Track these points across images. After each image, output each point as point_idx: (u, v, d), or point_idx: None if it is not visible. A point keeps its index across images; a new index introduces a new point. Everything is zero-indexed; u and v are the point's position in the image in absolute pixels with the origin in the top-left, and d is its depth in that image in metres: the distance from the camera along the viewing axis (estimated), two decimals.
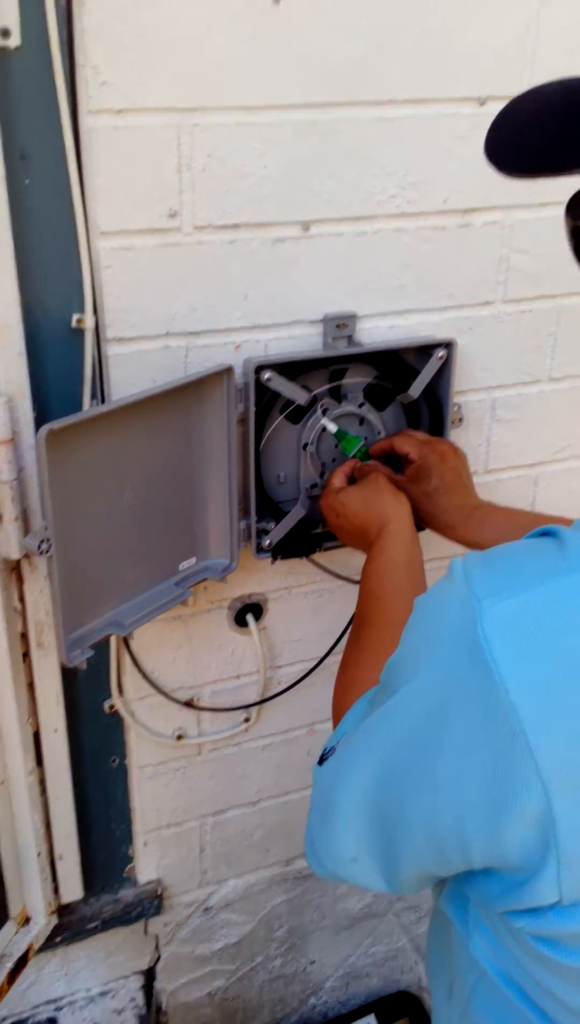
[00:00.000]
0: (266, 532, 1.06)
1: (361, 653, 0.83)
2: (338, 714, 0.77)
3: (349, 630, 0.88)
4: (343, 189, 0.96)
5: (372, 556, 0.91)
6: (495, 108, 0.97)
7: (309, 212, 0.96)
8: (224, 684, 1.19)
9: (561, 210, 1.07)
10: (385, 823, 0.56)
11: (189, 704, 1.17)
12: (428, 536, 0.99)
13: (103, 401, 0.96)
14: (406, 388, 1.05)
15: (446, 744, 0.51)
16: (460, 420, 1.12)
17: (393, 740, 0.55)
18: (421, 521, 1.00)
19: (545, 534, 0.54)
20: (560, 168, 0.52)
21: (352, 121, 0.94)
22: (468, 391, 1.13)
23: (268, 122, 0.91)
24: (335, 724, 0.77)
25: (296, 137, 0.92)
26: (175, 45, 0.84)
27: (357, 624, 0.87)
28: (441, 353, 1.03)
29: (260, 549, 1.06)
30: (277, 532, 1.06)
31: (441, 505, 0.98)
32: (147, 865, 1.27)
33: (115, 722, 1.15)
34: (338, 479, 1.03)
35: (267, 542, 1.06)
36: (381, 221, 1.00)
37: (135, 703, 1.14)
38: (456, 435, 1.12)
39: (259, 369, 0.96)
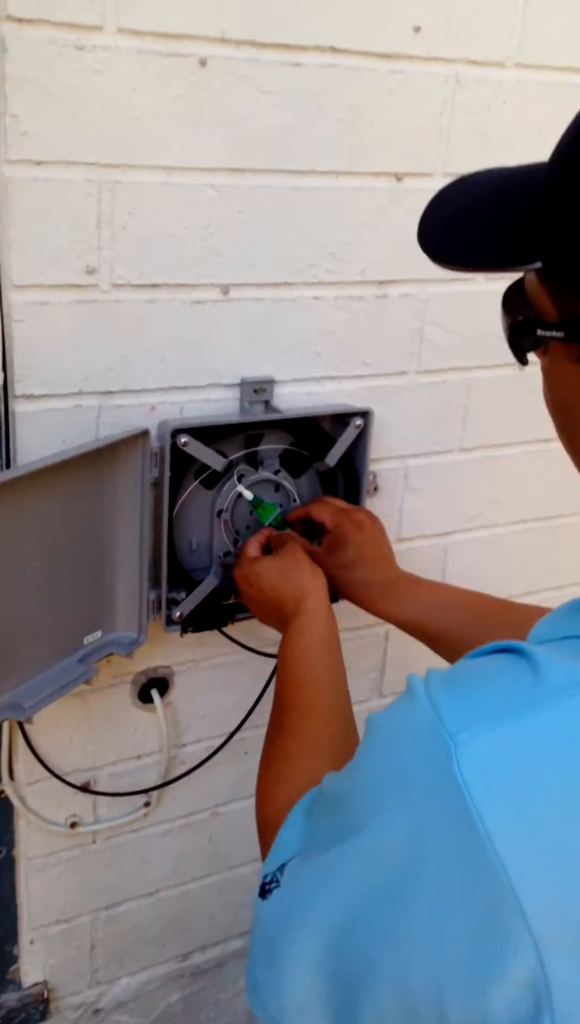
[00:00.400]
0: (176, 602, 1.01)
1: (286, 745, 0.77)
2: (266, 819, 0.70)
3: (269, 717, 0.83)
4: (263, 255, 0.95)
5: (290, 636, 0.87)
6: (412, 184, 1.00)
7: (229, 276, 0.94)
8: (124, 765, 1.11)
9: (472, 287, 1.10)
10: (345, 978, 0.50)
11: (85, 788, 1.09)
12: (348, 605, 0.96)
13: (7, 461, 0.89)
14: (322, 455, 1.03)
15: (420, 898, 0.45)
16: (376, 489, 1.12)
17: (356, 888, 0.49)
18: (338, 593, 0.97)
19: (507, 650, 0.50)
20: (489, 266, 0.53)
21: (273, 188, 0.93)
22: (382, 459, 1.13)
23: (191, 183, 0.89)
24: (263, 832, 0.70)
25: (218, 200, 0.91)
26: (99, 100, 0.82)
27: (278, 711, 0.82)
28: (358, 422, 1.03)
29: (170, 621, 1.01)
30: (188, 603, 1.01)
31: (360, 578, 0.95)
32: (33, 966, 1.15)
33: (4, 809, 1.05)
34: (252, 548, 0.99)
35: (178, 614, 1.01)
36: (300, 288, 0.99)
37: (26, 788, 1.05)
38: (371, 504, 1.11)
39: (176, 433, 0.92)
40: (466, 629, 0.88)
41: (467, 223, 0.55)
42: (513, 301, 0.54)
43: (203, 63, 0.85)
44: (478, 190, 0.56)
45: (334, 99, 0.92)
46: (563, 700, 0.44)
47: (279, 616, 0.91)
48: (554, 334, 0.50)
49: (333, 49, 0.90)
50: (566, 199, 0.47)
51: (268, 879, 0.58)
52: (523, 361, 0.55)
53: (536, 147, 1.06)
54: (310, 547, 0.99)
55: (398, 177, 0.99)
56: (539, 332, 0.51)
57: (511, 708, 0.45)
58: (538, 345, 0.53)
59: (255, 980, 0.56)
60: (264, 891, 0.58)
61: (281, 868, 0.58)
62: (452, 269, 0.56)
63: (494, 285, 1.10)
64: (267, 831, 0.69)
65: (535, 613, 0.90)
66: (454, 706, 0.47)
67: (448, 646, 0.90)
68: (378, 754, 0.51)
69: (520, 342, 0.53)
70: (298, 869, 0.56)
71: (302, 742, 0.76)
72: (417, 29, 0.93)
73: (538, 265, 0.49)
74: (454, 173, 1.01)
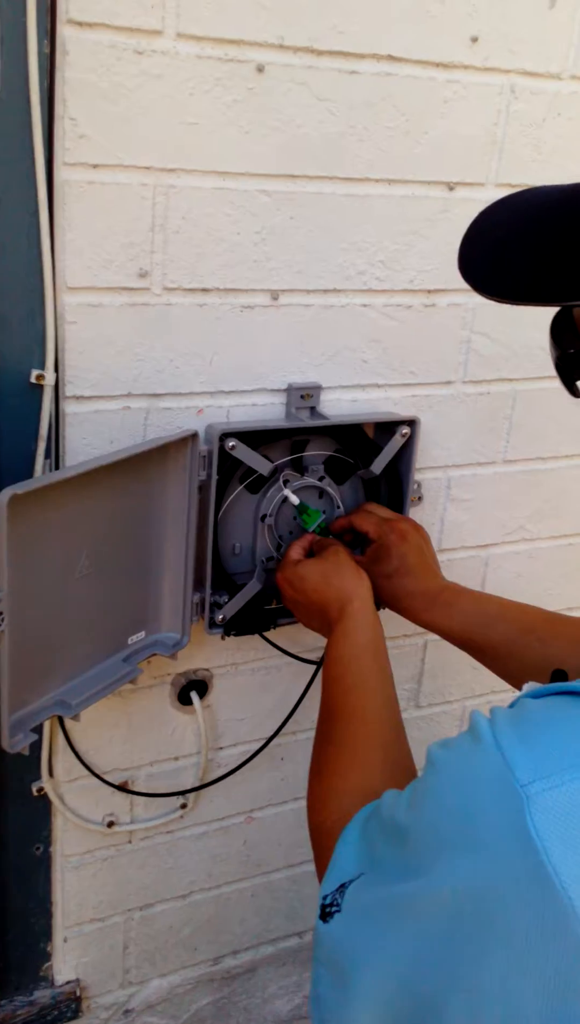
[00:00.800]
0: (219, 606, 1.01)
1: (336, 754, 0.76)
2: (320, 830, 0.70)
3: (316, 725, 0.82)
4: (314, 261, 0.96)
5: (335, 640, 0.86)
6: (464, 193, 1.00)
7: (279, 281, 0.95)
8: (161, 766, 1.11)
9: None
10: (414, 1019, 0.50)
11: (123, 788, 1.09)
12: (388, 614, 0.96)
13: (56, 460, 0.90)
14: (367, 463, 1.03)
15: (492, 951, 0.44)
16: (420, 499, 1.11)
17: (425, 933, 0.48)
18: (382, 602, 0.97)
19: (570, 693, 0.49)
20: (536, 300, 0.51)
21: (326, 195, 0.94)
22: (425, 469, 1.12)
23: (244, 189, 0.89)
24: (317, 843, 0.70)
25: (270, 206, 0.91)
26: (157, 104, 0.82)
27: (326, 718, 0.81)
28: (405, 430, 1.02)
29: (213, 624, 1.01)
30: (232, 607, 1.01)
31: (404, 587, 0.95)
32: (66, 964, 1.16)
33: (42, 806, 1.06)
34: (296, 551, 0.99)
35: (221, 617, 1.01)
36: (349, 295, 0.99)
37: (65, 785, 1.05)
38: (413, 513, 1.11)
39: (224, 437, 0.93)
40: (514, 641, 0.87)
41: (512, 251, 0.53)
42: (562, 331, 0.52)
43: (261, 69, 0.85)
44: (523, 214, 0.54)
45: (390, 107, 0.92)
46: None
47: (323, 619, 0.91)
48: None
49: (390, 58, 0.90)
50: None
51: (328, 900, 0.58)
52: (575, 393, 0.53)
53: None
54: (354, 556, 0.99)
55: (450, 186, 0.99)
56: None
57: None
58: None
59: (319, 995, 0.56)
60: (325, 914, 0.57)
61: (340, 890, 0.57)
62: (496, 300, 0.53)
63: None
64: (321, 843, 0.68)
65: None
66: (524, 754, 0.46)
67: (495, 658, 0.89)
68: (443, 796, 0.50)
69: (571, 373, 0.52)
70: (360, 896, 0.55)
71: (352, 752, 0.75)
72: (474, 39, 0.93)
73: None
74: (507, 184, 1.01)
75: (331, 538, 1.02)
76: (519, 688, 0.82)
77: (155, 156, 0.84)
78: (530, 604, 0.93)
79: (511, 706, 0.52)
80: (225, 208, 0.89)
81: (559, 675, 0.71)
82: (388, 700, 0.80)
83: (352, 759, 0.74)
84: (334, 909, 0.57)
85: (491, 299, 0.53)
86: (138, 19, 0.79)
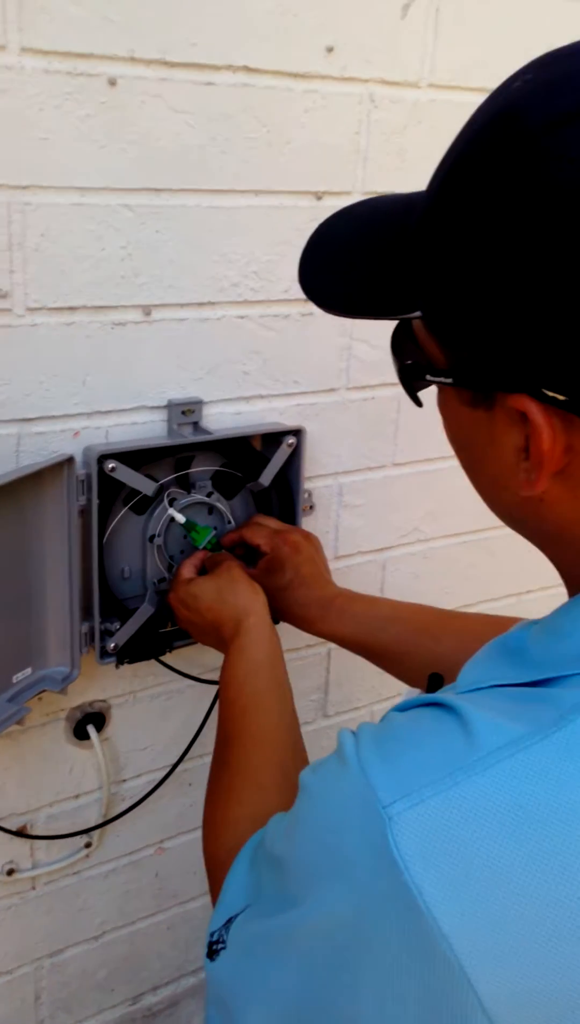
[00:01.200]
0: (111, 633, 0.98)
1: (232, 780, 0.74)
2: (214, 860, 0.68)
3: (214, 748, 0.80)
4: (185, 274, 0.94)
5: (231, 658, 0.84)
6: (332, 202, 1.00)
7: (150, 296, 0.92)
8: (61, 806, 1.07)
9: None
10: None
11: (21, 833, 1.04)
12: (281, 627, 0.94)
13: None
14: (255, 475, 1.02)
15: (366, 979, 0.43)
16: (311, 507, 1.10)
17: (302, 965, 0.47)
18: (278, 615, 0.95)
19: (436, 705, 0.48)
20: (372, 314, 0.50)
21: (191, 208, 0.92)
22: (315, 477, 1.11)
23: (105, 204, 0.87)
24: (211, 875, 0.67)
25: (135, 221, 0.89)
26: (5, 120, 0.79)
27: (221, 741, 0.79)
28: (290, 440, 1.01)
29: (105, 653, 0.97)
30: (123, 633, 0.98)
31: (297, 599, 0.94)
32: None
33: None
34: (187, 570, 0.97)
35: (112, 645, 0.97)
36: (224, 308, 0.98)
37: None
38: (307, 522, 1.10)
39: (103, 459, 0.90)
40: (408, 642, 0.87)
41: (349, 263, 0.53)
42: (401, 343, 0.52)
43: (113, 83, 0.83)
44: (361, 224, 0.54)
45: (250, 118, 0.91)
46: (497, 763, 0.42)
47: (218, 637, 0.89)
48: (443, 380, 0.48)
49: (246, 68, 0.89)
50: (437, 245, 0.45)
51: (215, 937, 0.56)
52: (417, 403, 0.54)
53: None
54: (247, 570, 0.97)
55: (318, 195, 0.99)
56: (428, 377, 0.49)
57: (445, 774, 0.43)
58: (429, 386, 0.51)
59: None
60: (212, 952, 0.55)
61: (226, 924, 0.56)
62: (333, 314, 0.53)
63: None
64: (214, 875, 0.66)
65: (474, 620, 0.89)
66: (386, 774, 0.44)
67: (391, 660, 0.89)
68: (311, 824, 0.49)
69: (412, 385, 0.52)
70: (243, 928, 0.54)
71: (247, 777, 0.73)
72: (330, 49, 0.93)
73: (417, 315, 0.48)
74: (374, 191, 1.01)
75: (224, 552, 1.00)
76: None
77: (7, 173, 0.81)
78: (424, 604, 0.93)
79: (382, 720, 0.51)
80: (87, 224, 0.86)
81: (435, 679, 0.70)
82: (285, 718, 0.79)
83: (246, 781, 0.73)
84: (220, 946, 0.55)
85: (331, 313, 0.53)
86: None
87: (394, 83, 0.98)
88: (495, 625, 0.81)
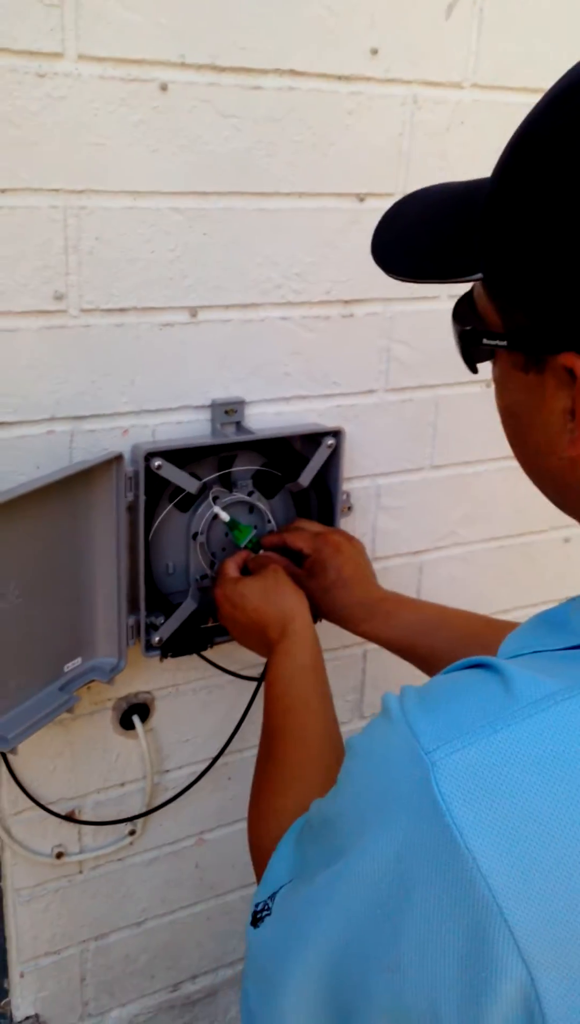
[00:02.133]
0: (155, 627, 1.00)
1: (276, 774, 0.76)
2: (259, 849, 0.70)
3: (259, 742, 0.82)
4: (230, 276, 0.95)
5: (277, 660, 0.86)
6: (374, 204, 1.01)
7: (197, 298, 0.94)
8: (108, 793, 1.09)
9: (436, 305, 1.10)
10: (342, 1008, 0.49)
11: (70, 817, 1.06)
12: (324, 626, 0.96)
13: None
14: (294, 475, 1.03)
15: (408, 921, 0.44)
16: (350, 508, 1.11)
17: (346, 915, 0.48)
18: (323, 615, 0.97)
19: (478, 666, 0.50)
20: (435, 277, 0.53)
21: (237, 211, 0.94)
22: (353, 478, 1.13)
23: (156, 207, 0.89)
24: (257, 863, 0.69)
25: (183, 224, 0.91)
26: (62, 126, 0.81)
27: (267, 738, 0.81)
28: (330, 441, 1.03)
29: (150, 646, 1.00)
30: (167, 627, 1.00)
31: (341, 600, 0.95)
32: (24, 999, 1.12)
33: None
34: (232, 568, 0.98)
35: (157, 638, 0.99)
36: (267, 309, 0.99)
37: (11, 819, 1.03)
38: (344, 523, 1.11)
39: (149, 456, 0.92)
40: (456, 648, 0.88)
41: (417, 236, 0.56)
42: (463, 311, 0.54)
43: (164, 88, 0.85)
44: (429, 204, 0.57)
45: (295, 121, 0.92)
46: (536, 714, 0.44)
47: (262, 639, 0.90)
48: (498, 343, 0.51)
49: (292, 72, 0.90)
50: (500, 213, 0.48)
51: (259, 907, 0.57)
52: (473, 369, 0.56)
53: (495, 166, 1.07)
54: (292, 568, 0.99)
55: (361, 198, 1.00)
56: (485, 341, 0.52)
57: (485, 723, 0.45)
58: (486, 354, 0.53)
59: (250, 1010, 0.55)
60: (256, 920, 0.57)
61: (272, 896, 0.57)
62: (401, 280, 0.57)
63: None
64: (260, 862, 0.68)
65: None
66: (429, 723, 0.46)
67: (438, 666, 0.90)
68: (358, 777, 0.51)
69: (470, 351, 0.54)
70: (289, 896, 0.55)
71: (292, 772, 0.75)
72: (374, 51, 0.94)
73: (479, 277, 0.50)
74: None
75: (269, 554, 1.01)
76: None
77: (64, 178, 0.83)
78: (470, 611, 0.94)
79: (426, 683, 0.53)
80: (138, 227, 0.88)
81: None
82: (329, 720, 0.81)
83: (291, 776, 0.74)
84: (265, 914, 0.56)
85: (398, 278, 0.56)
86: (38, 42, 0.78)
87: (438, 84, 0.99)
88: None
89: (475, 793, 0.43)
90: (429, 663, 0.91)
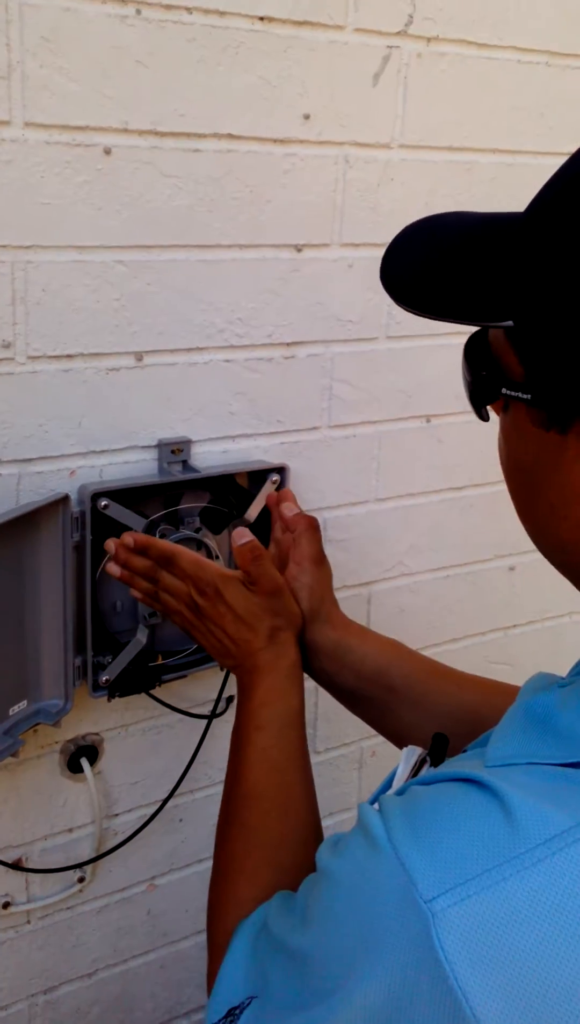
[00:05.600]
0: (103, 667, 1.10)
1: (249, 852, 0.71)
2: (215, 942, 0.67)
3: (224, 791, 0.78)
4: (174, 323, 1.08)
5: (261, 694, 0.80)
6: (312, 254, 1.15)
7: (142, 343, 1.07)
8: (55, 840, 1.17)
9: (375, 346, 1.24)
10: None
11: (17, 865, 1.15)
12: None
13: None
14: (242, 511, 1.15)
15: None
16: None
17: None
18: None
19: (470, 782, 0.48)
20: (458, 318, 0.52)
21: (180, 262, 1.07)
22: None
23: (101, 260, 1.01)
24: (212, 955, 0.67)
25: (128, 275, 1.03)
26: (10, 187, 0.94)
27: (244, 799, 0.75)
28: (275, 477, 1.15)
29: (97, 686, 1.09)
30: (115, 666, 1.10)
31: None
32: None
33: None
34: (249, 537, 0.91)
35: (105, 678, 1.09)
36: (211, 352, 1.12)
37: None
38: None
39: (96, 496, 1.03)
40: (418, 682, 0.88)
41: (432, 268, 0.55)
42: (476, 353, 0.54)
43: (108, 151, 0.98)
44: (443, 235, 0.57)
45: (233, 180, 1.06)
46: (545, 858, 0.43)
47: (248, 648, 0.85)
48: (520, 395, 0.50)
49: (230, 136, 1.04)
50: (537, 258, 0.48)
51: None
52: (483, 417, 0.55)
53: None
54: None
55: (298, 248, 1.14)
56: (504, 391, 0.51)
57: (491, 867, 0.43)
58: (498, 403, 0.53)
59: None
60: None
61: (231, 1018, 0.56)
62: (417, 315, 0.55)
63: (396, 344, 1.25)
64: (214, 957, 0.66)
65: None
66: (425, 863, 0.45)
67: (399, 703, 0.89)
68: (343, 915, 0.49)
69: (482, 398, 0.54)
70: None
71: (267, 850, 0.71)
72: (306, 117, 1.09)
73: (508, 324, 0.50)
74: (350, 243, 1.17)
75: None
76: (399, 745, 0.80)
77: (11, 235, 0.95)
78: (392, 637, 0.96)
79: (399, 793, 0.52)
80: (83, 279, 1.01)
81: (440, 740, 0.70)
82: (311, 784, 0.77)
83: (266, 861, 0.70)
84: None
85: (411, 311, 0.55)
86: None
87: (367, 145, 1.14)
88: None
89: (483, 955, 0.42)
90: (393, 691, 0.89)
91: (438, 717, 0.83)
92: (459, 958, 0.42)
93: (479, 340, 0.55)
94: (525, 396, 0.50)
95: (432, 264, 0.55)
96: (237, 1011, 0.56)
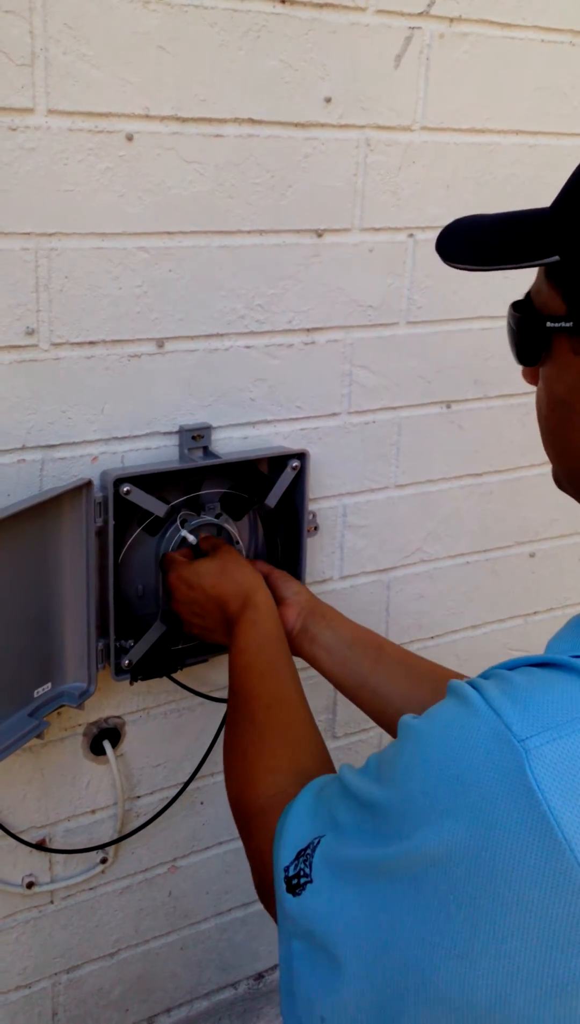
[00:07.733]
0: (125, 650, 1.13)
1: (262, 736, 0.82)
2: (252, 807, 0.75)
3: (228, 711, 0.91)
4: (195, 309, 1.10)
5: (242, 629, 0.96)
6: (332, 239, 1.17)
7: (163, 330, 1.09)
8: (78, 821, 1.21)
9: (395, 331, 1.26)
10: (394, 987, 0.51)
11: (41, 846, 1.18)
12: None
13: None
14: (262, 497, 1.17)
15: (486, 909, 0.47)
16: (316, 528, 1.26)
17: (411, 898, 0.51)
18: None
19: (548, 665, 0.54)
20: (514, 260, 0.62)
21: (201, 248, 1.09)
22: (319, 499, 1.27)
23: (123, 247, 1.04)
24: (249, 821, 0.74)
25: (149, 261, 1.06)
26: (33, 175, 0.96)
27: (241, 702, 0.88)
28: (295, 463, 1.17)
29: (119, 670, 1.13)
30: (137, 650, 1.13)
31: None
32: None
33: None
34: (180, 555, 1.11)
35: (127, 662, 1.13)
36: (232, 339, 1.14)
37: None
38: (312, 542, 1.25)
39: (118, 482, 1.06)
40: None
41: (482, 237, 0.67)
42: (522, 303, 0.64)
43: (130, 138, 1.00)
44: (489, 221, 0.68)
45: (254, 165, 1.08)
46: None
47: (223, 615, 1.02)
48: (563, 325, 0.59)
49: (251, 120, 1.06)
50: None
51: (292, 872, 0.60)
52: (526, 361, 0.64)
53: (446, 201, 1.24)
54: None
55: (318, 233, 1.16)
56: (548, 324, 0.60)
57: (578, 716, 0.49)
58: (544, 342, 0.61)
59: (294, 970, 0.58)
60: (293, 886, 0.60)
61: (302, 858, 0.60)
62: (465, 268, 0.67)
63: (416, 330, 1.27)
64: (257, 821, 0.73)
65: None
66: (518, 713, 0.50)
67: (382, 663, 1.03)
68: (433, 761, 0.53)
69: (528, 338, 0.62)
70: (331, 860, 0.59)
71: (275, 732, 0.82)
72: (328, 100, 1.10)
73: (555, 259, 0.59)
74: (371, 228, 1.18)
75: (220, 538, 1.14)
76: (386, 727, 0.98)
77: (35, 222, 0.98)
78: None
79: (484, 677, 0.57)
80: (105, 266, 1.03)
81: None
82: (299, 686, 0.90)
83: (276, 736, 0.81)
84: (304, 879, 0.59)
85: (463, 268, 0.67)
86: (10, 99, 0.94)
87: (388, 127, 1.16)
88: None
89: (573, 785, 0.46)
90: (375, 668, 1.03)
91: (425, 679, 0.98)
92: (551, 788, 0.46)
93: (523, 300, 0.64)
94: (567, 324, 0.58)
95: (478, 233, 0.67)
96: (308, 850, 0.61)
